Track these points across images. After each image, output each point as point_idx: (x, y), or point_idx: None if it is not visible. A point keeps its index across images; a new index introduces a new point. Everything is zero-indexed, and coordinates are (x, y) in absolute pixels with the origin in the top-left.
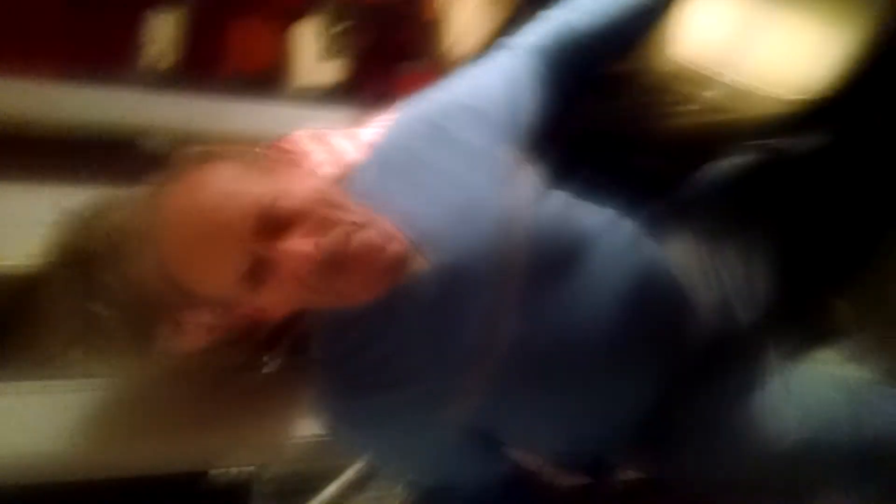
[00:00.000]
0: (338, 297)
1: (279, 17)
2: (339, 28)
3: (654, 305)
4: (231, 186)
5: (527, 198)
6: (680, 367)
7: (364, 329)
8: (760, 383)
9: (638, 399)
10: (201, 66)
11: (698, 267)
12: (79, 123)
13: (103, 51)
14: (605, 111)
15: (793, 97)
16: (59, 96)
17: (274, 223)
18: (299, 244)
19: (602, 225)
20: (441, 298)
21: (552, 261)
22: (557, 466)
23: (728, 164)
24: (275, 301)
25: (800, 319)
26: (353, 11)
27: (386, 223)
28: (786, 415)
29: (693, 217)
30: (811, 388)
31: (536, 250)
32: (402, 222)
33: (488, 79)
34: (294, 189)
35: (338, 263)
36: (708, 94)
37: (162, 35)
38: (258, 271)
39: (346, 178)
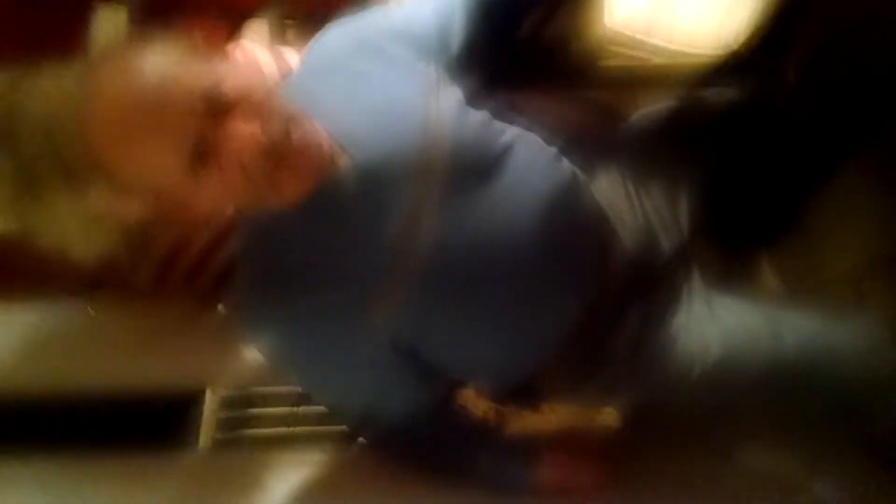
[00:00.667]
0: (272, 194)
1: (228, 16)
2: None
3: (572, 223)
4: (173, 66)
5: (449, 110)
6: (604, 289)
7: (287, 231)
8: (683, 305)
9: (562, 319)
10: None
11: (623, 198)
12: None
13: (49, 45)
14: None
15: (710, 52)
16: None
17: (218, 105)
18: (244, 126)
19: (522, 142)
20: (362, 197)
21: (470, 168)
22: (489, 395)
23: (653, 111)
24: (212, 194)
25: (726, 253)
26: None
27: (314, 123)
28: (708, 333)
29: (619, 157)
30: (733, 310)
31: (455, 157)
32: (327, 123)
33: (420, 7)
34: (238, 75)
35: (279, 153)
36: (637, 54)
37: (109, 30)
38: (201, 154)
39: (281, 83)
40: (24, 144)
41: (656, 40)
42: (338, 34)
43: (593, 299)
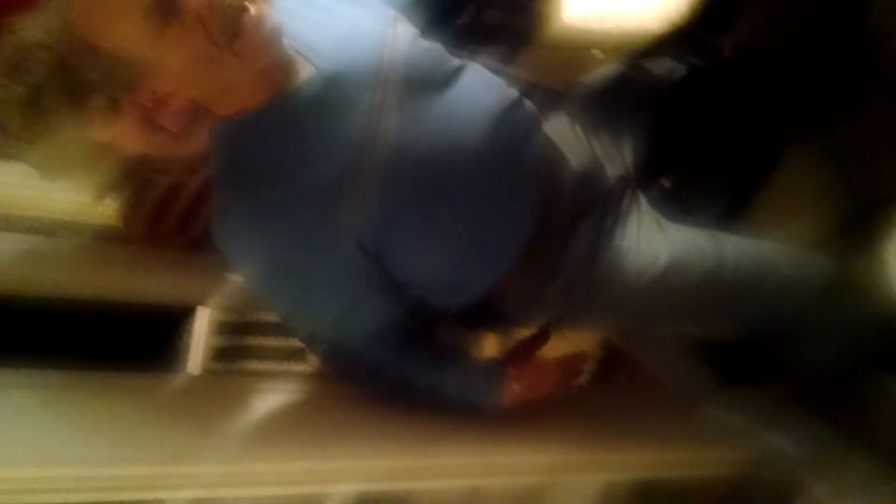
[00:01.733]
0: (237, 77)
1: None
2: None
3: (520, 137)
4: None
5: (404, 36)
6: (553, 204)
7: (255, 137)
8: (633, 223)
9: (515, 229)
10: None
11: (571, 134)
12: None
13: None
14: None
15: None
16: None
17: None
18: None
19: (472, 67)
20: (325, 102)
21: (421, 79)
22: (454, 317)
23: (600, 75)
24: (181, 58)
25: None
26: None
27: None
28: (657, 245)
29: (569, 107)
30: (680, 229)
31: (408, 69)
32: (293, 39)
33: None
34: None
35: (236, 23)
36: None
37: None
38: (164, 7)
39: None
40: (30, 73)
41: (608, 25)
42: None
43: (543, 212)
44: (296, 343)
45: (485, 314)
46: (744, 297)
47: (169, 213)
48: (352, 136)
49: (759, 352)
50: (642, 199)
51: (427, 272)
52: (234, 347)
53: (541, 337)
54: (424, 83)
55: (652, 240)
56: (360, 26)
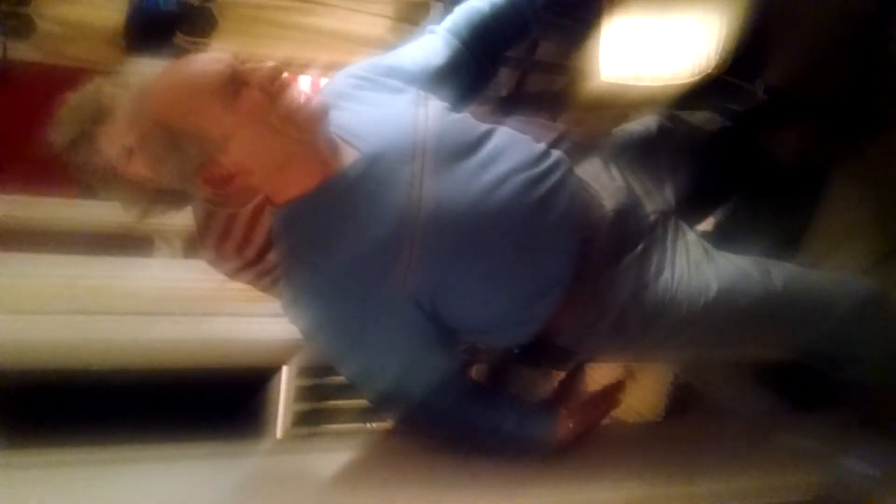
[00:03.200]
0: (291, 154)
1: None
2: None
3: (548, 188)
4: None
5: (435, 112)
6: (590, 243)
7: (313, 213)
8: (680, 254)
9: (556, 270)
10: None
11: (606, 174)
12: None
13: None
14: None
15: (689, 79)
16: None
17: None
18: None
19: (500, 130)
20: (371, 178)
21: (454, 147)
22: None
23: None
24: (243, 144)
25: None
26: None
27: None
28: (707, 273)
29: (604, 152)
30: (727, 257)
31: (441, 140)
32: (338, 129)
33: (410, 48)
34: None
35: (291, 107)
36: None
37: None
38: (234, 83)
39: None
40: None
41: (645, 82)
42: (345, 73)
43: (581, 252)
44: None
45: (546, 353)
46: (792, 319)
47: (230, 237)
48: (397, 205)
49: (825, 376)
50: (688, 231)
51: (481, 317)
52: (315, 410)
53: (578, 371)
54: (456, 150)
55: (702, 269)
56: (394, 109)
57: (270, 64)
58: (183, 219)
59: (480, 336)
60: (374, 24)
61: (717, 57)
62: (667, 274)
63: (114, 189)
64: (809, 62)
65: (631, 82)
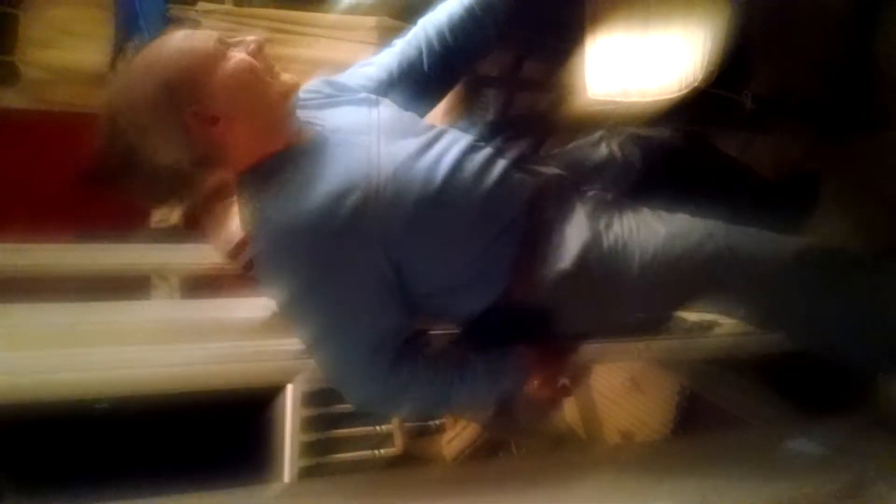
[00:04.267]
0: (267, 101)
1: None
2: None
3: (489, 157)
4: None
5: (383, 105)
6: (538, 206)
7: (282, 171)
8: (628, 212)
9: (509, 227)
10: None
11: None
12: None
13: (114, 217)
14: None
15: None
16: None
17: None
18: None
19: (441, 128)
20: (334, 143)
21: (400, 129)
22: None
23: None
24: (229, 87)
25: None
26: None
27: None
28: (652, 222)
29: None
30: (676, 217)
31: (391, 122)
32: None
33: (379, 55)
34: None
35: (270, 69)
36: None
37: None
38: (223, 46)
39: None
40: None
41: (632, 98)
42: (318, 80)
43: (529, 211)
44: (383, 429)
45: (522, 327)
46: (735, 264)
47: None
48: (359, 161)
49: (836, 378)
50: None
51: (446, 272)
52: (323, 440)
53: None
54: (404, 131)
55: (648, 221)
56: (349, 105)
57: (252, 37)
58: (179, 257)
59: (449, 297)
60: (358, 51)
61: (704, 70)
62: (616, 227)
63: (136, 175)
64: (797, 69)
65: (619, 99)
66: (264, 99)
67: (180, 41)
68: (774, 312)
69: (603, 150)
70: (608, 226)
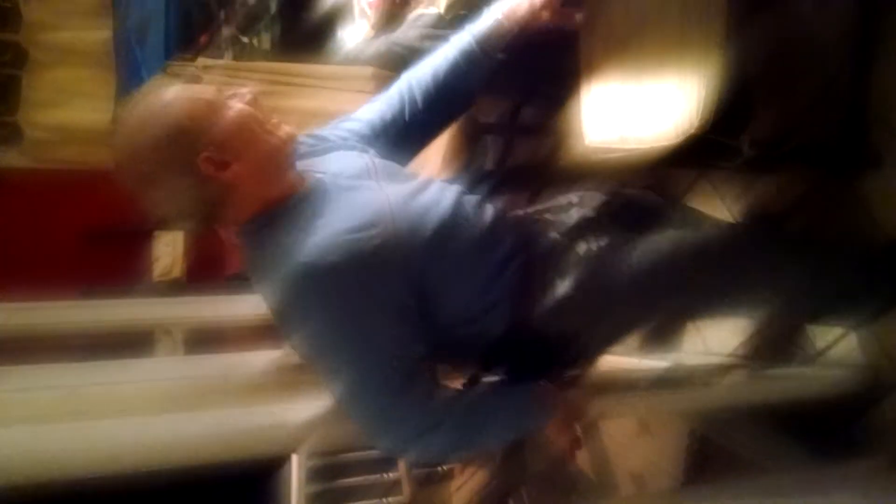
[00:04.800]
0: (269, 147)
1: None
2: None
3: (481, 201)
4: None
5: (374, 155)
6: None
7: (291, 215)
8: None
9: (503, 258)
10: (204, 272)
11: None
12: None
13: (117, 272)
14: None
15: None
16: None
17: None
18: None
19: (423, 176)
20: (338, 186)
21: (392, 173)
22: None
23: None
24: (234, 134)
25: None
26: None
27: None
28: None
29: None
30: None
31: (385, 166)
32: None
33: (360, 110)
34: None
35: (269, 118)
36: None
37: (167, 252)
38: (223, 97)
39: None
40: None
41: (630, 145)
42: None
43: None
44: (390, 477)
45: (537, 349)
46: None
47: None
48: (368, 197)
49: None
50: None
51: (459, 304)
52: (330, 490)
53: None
54: (397, 176)
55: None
56: (344, 154)
57: (247, 89)
58: (182, 311)
59: (468, 327)
60: (357, 100)
61: (701, 116)
62: (602, 242)
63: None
64: (794, 111)
65: (616, 146)
66: (267, 146)
67: (185, 91)
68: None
69: (573, 214)
70: (596, 242)
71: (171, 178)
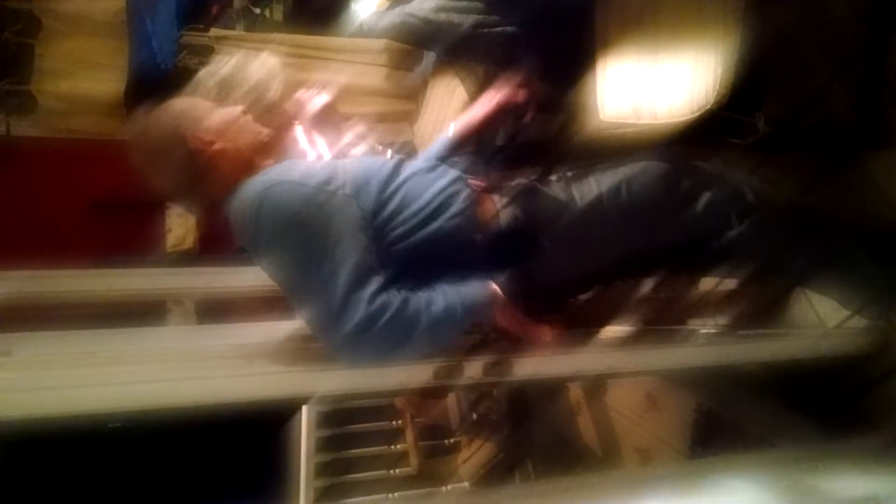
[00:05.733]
0: (245, 144)
1: None
2: None
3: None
4: None
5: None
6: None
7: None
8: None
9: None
10: (215, 244)
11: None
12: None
13: (130, 242)
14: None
15: (684, 118)
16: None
17: None
18: None
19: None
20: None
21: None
22: None
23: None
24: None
25: None
26: None
27: None
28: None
29: None
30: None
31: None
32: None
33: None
34: None
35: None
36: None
37: (179, 223)
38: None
39: None
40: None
41: (644, 120)
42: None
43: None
44: (398, 448)
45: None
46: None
47: None
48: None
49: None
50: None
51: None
52: (338, 460)
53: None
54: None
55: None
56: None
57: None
58: (194, 282)
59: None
60: (368, 73)
61: (716, 93)
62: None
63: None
64: (810, 90)
65: (630, 121)
66: (248, 136)
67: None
68: None
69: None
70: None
71: (172, 150)
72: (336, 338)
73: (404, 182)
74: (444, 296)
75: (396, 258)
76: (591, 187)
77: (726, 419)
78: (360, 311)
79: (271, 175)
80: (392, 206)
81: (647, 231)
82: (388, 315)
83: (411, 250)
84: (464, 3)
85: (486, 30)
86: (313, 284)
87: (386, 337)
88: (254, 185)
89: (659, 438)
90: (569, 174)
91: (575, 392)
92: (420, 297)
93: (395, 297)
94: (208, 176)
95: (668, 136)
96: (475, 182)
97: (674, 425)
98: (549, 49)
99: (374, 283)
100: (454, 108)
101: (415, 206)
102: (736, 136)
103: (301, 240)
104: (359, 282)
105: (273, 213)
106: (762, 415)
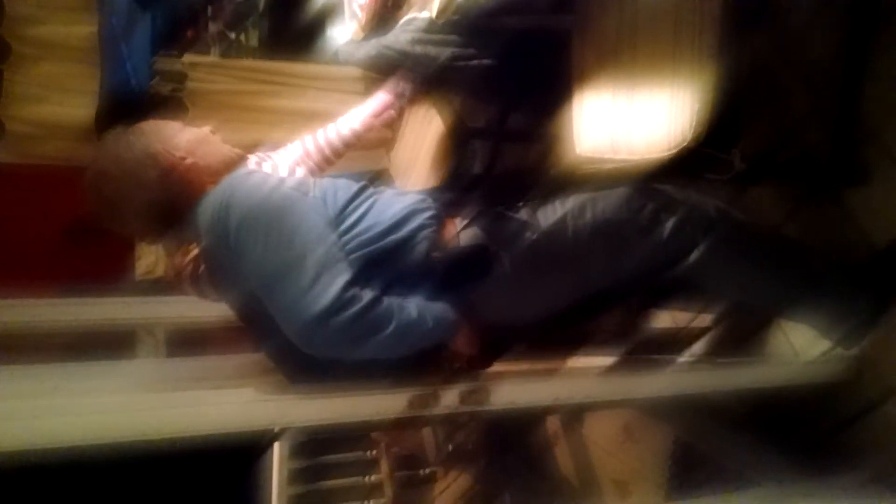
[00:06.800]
0: (214, 160)
1: None
2: None
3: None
4: None
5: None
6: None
7: None
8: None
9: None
10: None
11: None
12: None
13: (99, 270)
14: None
15: (661, 154)
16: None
17: None
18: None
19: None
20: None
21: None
22: None
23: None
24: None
25: None
26: None
27: None
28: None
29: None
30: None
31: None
32: None
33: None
34: None
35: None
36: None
37: (150, 250)
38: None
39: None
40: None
41: (621, 155)
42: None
43: None
44: (372, 480)
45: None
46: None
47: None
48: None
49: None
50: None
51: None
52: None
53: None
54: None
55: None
56: None
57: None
58: (165, 311)
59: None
60: (345, 101)
61: (693, 129)
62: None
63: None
64: (786, 123)
65: (608, 156)
66: (217, 153)
67: (155, 122)
68: None
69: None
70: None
71: (143, 170)
72: (302, 317)
73: (370, 196)
74: (416, 306)
75: (355, 267)
76: (556, 209)
77: (704, 453)
78: (330, 293)
79: (242, 171)
80: (355, 216)
81: (613, 253)
82: (357, 307)
83: (368, 261)
84: (440, 37)
85: (462, 62)
86: (284, 263)
87: (351, 329)
88: (224, 182)
89: (636, 471)
90: (536, 199)
91: (552, 423)
92: (392, 301)
93: (367, 293)
94: (181, 193)
95: (646, 172)
96: (442, 206)
97: (652, 458)
98: (526, 82)
99: (347, 273)
100: (430, 137)
101: (377, 219)
102: (713, 171)
103: (272, 220)
104: (332, 266)
105: (244, 199)
106: (739, 449)
